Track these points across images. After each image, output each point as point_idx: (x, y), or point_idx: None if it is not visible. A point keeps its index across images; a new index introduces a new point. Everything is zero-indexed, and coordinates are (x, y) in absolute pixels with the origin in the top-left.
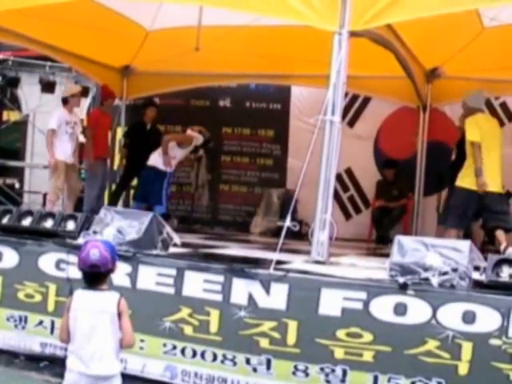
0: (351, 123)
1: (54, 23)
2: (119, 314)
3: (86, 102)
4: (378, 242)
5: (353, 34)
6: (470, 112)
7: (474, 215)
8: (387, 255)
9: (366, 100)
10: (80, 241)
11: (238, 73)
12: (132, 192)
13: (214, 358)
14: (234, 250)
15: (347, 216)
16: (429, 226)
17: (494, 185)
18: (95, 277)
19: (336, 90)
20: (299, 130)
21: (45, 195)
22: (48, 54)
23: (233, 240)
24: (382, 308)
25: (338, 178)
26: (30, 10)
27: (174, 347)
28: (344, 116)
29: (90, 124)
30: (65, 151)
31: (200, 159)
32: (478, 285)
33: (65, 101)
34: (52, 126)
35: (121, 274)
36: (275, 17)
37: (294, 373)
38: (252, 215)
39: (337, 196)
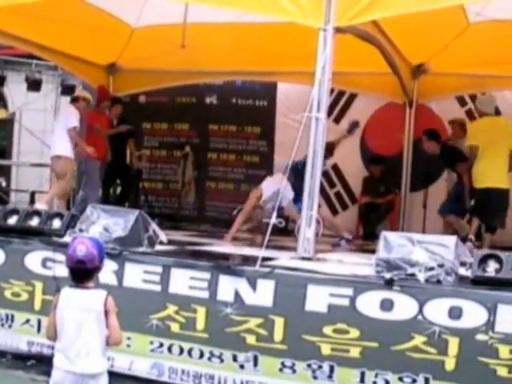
0: (337, 120)
1: (39, 21)
2: (106, 312)
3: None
4: (365, 238)
5: (338, 30)
6: (480, 116)
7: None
8: (374, 251)
9: (352, 96)
10: (66, 239)
11: (224, 70)
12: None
13: (201, 355)
14: (220, 247)
15: (334, 212)
16: (415, 222)
17: (499, 182)
18: (82, 273)
19: (321, 86)
20: (285, 127)
21: (32, 194)
22: (34, 52)
23: (219, 237)
24: (369, 304)
25: (325, 174)
26: (14, 7)
27: (161, 344)
28: (330, 112)
29: (86, 124)
30: (71, 151)
31: (186, 156)
32: (464, 280)
33: (75, 100)
34: (75, 124)
35: (107, 271)
36: (261, 13)
37: (280, 369)
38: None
39: (323, 192)
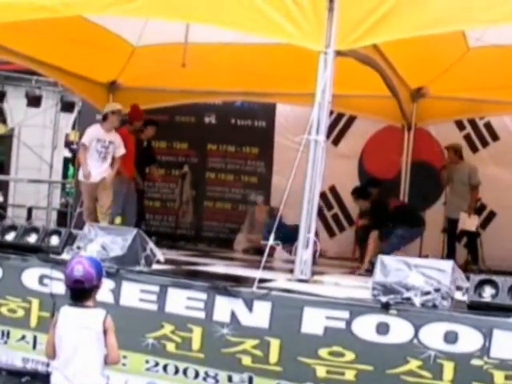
0: (336, 142)
1: (40, 37)
2: (105, 331)
3: (71, 117)
4: (362, 261)
5: (338, 53)
6: None
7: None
8: (370, 274)
9: (351, 119)
10: (64, 256)
11: (224, 90)
12: None
13: (196, 375)
14: (217, 267)
15: (331, 234)
16: (412, 245)
17: None
18: (80, 293)
19: (321, 109)
20: (284, 148)
21: (29, 209)
22: (34, 68)
23: (216, 257)
24: (365, 327)
25: (323, 195)
26: (16, 24)
27: (157, 364)
28: (329, 135)
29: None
30: (91, 169)
31: (184, 176)
32: (460, 305)
33: (104, 118)
34: (83, 141)
35: (104, 290)
36: (262, 35)
37: None
38: (236, 232)
39: (321, 214)
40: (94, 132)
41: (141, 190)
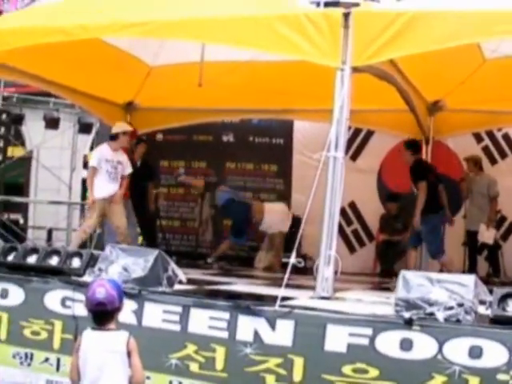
0: (354, 157)
1: (57, 60)
2: (129, 353)
3: (89, 138)
4: (383, 276)
5: (355, 69)
6: None
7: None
8: (392, 289)
9: (369, 134)
10: (86, 278)
11: (241, 108)
12: None
13: None
14: (238, 286)
15: (351, 250)
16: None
17: None
18: (102, 315)
19: (339, 125)
20: (302, 165)
21: (49, 231)
22: (51, 90)
23: (237, 276)
24: (388, 343)
25: (342, 211)
26: (33, 47)
27: None
28: (347, 150)
29: None
30: (100, 191)
31: (203, 195)
32: (483, 319)
33: (113, 137)
34: (92, 164)
35: (126, 311)
36: (278, 53)
37: None
38: (256, 250)
39: (341, 230)
40: (103, 153)
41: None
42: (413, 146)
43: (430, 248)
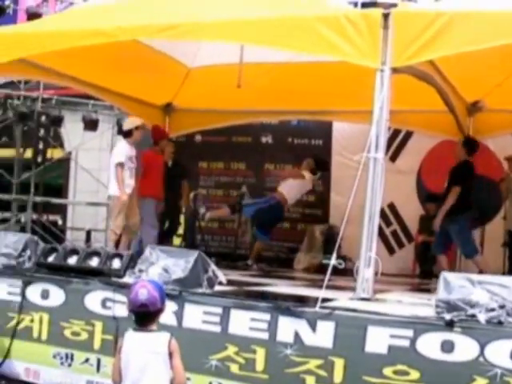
0: (393, 158)
1: (95, 62)
2: (170, 354)
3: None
4: (422, 277)
5: (395, 70)
6: None
7: None
8: (432, 290)
9: (408, 134)
10: (126, 279)
11: (280, 109)
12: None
13: None
14: (278, 287)
15: (390, 251)
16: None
17: None
18: (145, 317)
19: (379, 126)
20: (341, 166)
21: (88, 232)
22: (90, 92)
23: (277, 277)
24: (429, 345)
25: (381, 212)
26: (72, 49)
27: None
28: (386, 151)
29: (143, 164)
30: (126, 187)
31: (243, 196)
32: None
33: (128, 133)
34: (120, 160)
35: (167, 312)
36: (317, 54)
37: None
38: (295, 251)
39: (380, 231)
40: (126, 149)
41: (193, 209)
42: (469, 144)
43: (463, 248)
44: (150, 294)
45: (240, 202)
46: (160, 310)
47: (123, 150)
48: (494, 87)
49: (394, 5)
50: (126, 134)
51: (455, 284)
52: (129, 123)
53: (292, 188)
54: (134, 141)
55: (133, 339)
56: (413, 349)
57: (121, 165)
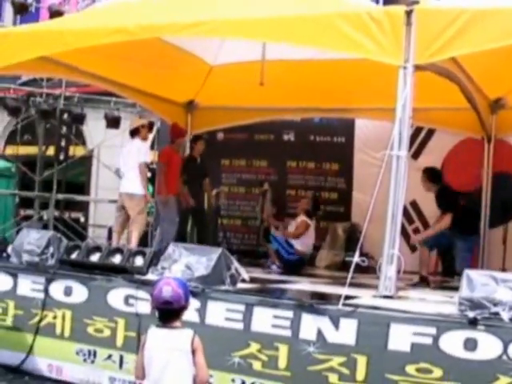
0: (416, 155)
1: (118, 60)
2: (193, 351)
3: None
4: (444, 275)
5: (418, 67)
6: None
7: None
8: (454, 288)
9: (430, 132)
10: (149, 277)
11: (302, 106)
12: None
13: None
14: (301, 284)
15: (412, 248)
16: (495, 258)
17: None
18: (169, 314)
19: (402, 124)
20: (364, 164)
21: (110, 229)
22: (113, 90)
23: (299, 274)
24: (452, 343)
25: (404, 210)
26: (94, 47)
27: (243, 382)
28: (409, 148)
29: (162, 161)
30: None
31: (265, 193)
32: None
33: (135, 132)
34: (146, 160)
35: (190, 309)
36: (340, 51)
37: None
38: (317, 249)
39: (402, 228)
40: (146, 147)
41: (216, 206)
42: (431, 176)
43: (459, 263)
44: (175, 291)
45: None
46: (184, 308)
47: (143, 148)
48: None
49: (417, 2)
50: (134, 133)
51: (478, 282)
52: (135, 122)
53: (306, 244)
54: (143, 138)
55: (156, 336)
56: (436, 347)
57: (146, 164)
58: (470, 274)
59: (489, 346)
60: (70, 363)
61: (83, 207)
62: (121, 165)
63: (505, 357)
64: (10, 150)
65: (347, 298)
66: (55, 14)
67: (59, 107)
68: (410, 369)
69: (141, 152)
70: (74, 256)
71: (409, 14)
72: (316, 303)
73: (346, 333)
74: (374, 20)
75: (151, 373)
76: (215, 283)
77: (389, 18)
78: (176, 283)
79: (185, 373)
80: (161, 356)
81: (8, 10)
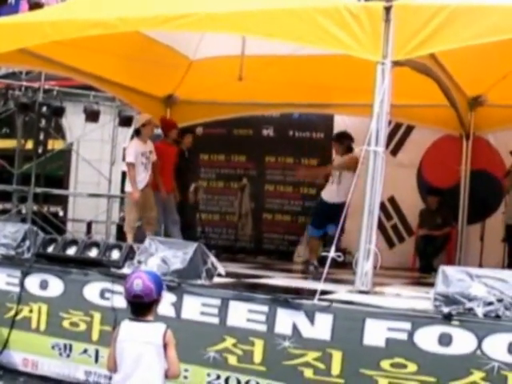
0: (394, 152)
1: (97, 53)
2: (165, 345)
3: (129, 131)
4: (422, 271)
5: (396, 63)
6: None
7: None
8: (431, 284)
9: (409, 128)
10: (125, 270)
11: (281, 102)
12: None
13: None
14: (277, 279)
15: (390, 244)
16: (472, 255)
17: None
18: (140, 307)
19: (379, 120)
20: None
21: (89, 223)
22: (92, 83)
23: (276, 269)
24: (427, 338)
25: (382, 206)
26: (74, 40)
27: (218, 377)
28: (387, 144)
29: (157, 157)
30: (139, 183)
31: (243, 188)
32: None
33: (138, 132)
34: (131, 160)
35: (165, 303)
36: (318, 47)
37: None
38: (295, 244)
39: (380, 225)
40: (137, 148)
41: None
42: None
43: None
44: (145, 285)
45: None
46: (156, 301)
47: (132, 148)
48: (495, 82)
49: None
50: (137, 133)
51: (454, 277)
52: (137, 121)
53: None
54: (146, 137)
55: (128, 329)
56: (410, 342)
57: (131, 165)
58: (446, 269)
59: (463, 341)
60: (45, 357)
61: (62, 201)
62: None
63: (479, 352)
64: None
65: (323, 293)
66: (35, 6)
67: (38, 100)
68: (385, 364)
69: (128, 153)
70: (50, 249)
71: (388, 9)
72: (291, 298)
73: (322, 328)
74: (353, 15)
75: (123, 366)
76: (191, 277)
77: (367, 13)
78: (147, 277)
79: (156, 366)
80: (132, 349)
81: None
